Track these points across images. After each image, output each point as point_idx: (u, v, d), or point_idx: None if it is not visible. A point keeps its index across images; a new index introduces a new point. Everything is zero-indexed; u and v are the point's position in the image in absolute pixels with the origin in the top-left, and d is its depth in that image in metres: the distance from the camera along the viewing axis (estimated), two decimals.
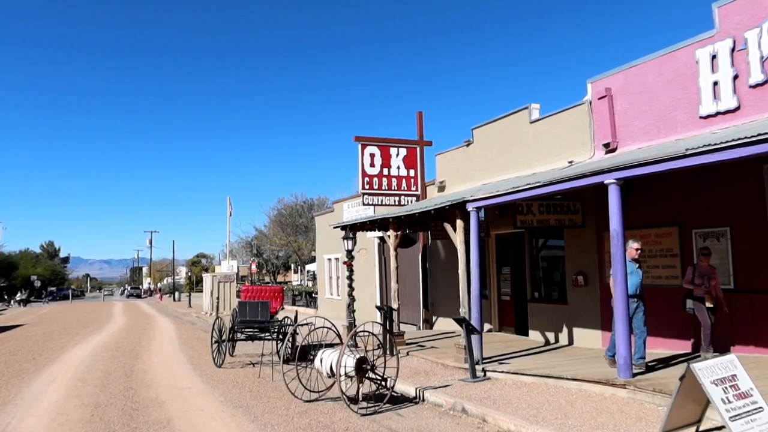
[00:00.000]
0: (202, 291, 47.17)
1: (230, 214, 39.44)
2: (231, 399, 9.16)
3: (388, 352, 9.91)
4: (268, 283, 55.89)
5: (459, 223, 11.54)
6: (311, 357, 12.98)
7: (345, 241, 13.63)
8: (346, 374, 8.11)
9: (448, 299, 17.89)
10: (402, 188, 18.56)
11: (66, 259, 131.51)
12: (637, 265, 9.37)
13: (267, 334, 12.82)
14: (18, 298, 62.17)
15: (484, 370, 10.24)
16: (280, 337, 12.95)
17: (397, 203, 18.44)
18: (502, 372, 10.02)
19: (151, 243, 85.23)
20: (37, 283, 73.17)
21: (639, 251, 9.39)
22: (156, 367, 12.76)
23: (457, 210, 11.42)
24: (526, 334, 14.71)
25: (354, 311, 14.18)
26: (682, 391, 5.77)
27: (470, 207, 11.17)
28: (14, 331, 24.29)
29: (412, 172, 18.78)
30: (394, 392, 8.78)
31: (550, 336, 13.83)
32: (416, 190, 18.73)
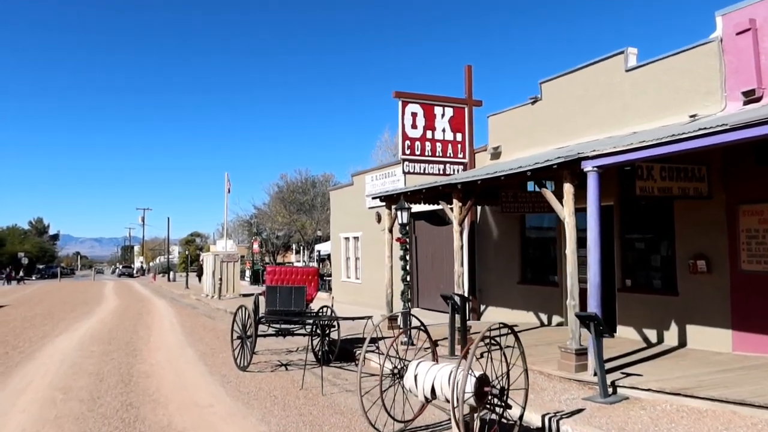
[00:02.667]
0: (196, 272, 44.30)
1: (228, 191, 36.46)
2: (279, 429, 6.41)
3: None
4: (267, 263, 53.13)
5: (568, 188, 8.79)
6: (356, 357, 10.25)
7: (399, 212, 10.83)
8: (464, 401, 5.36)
9: (501, 285, 15.21)
10: (447, 154, 15.76)
11: (55, 237, 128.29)
12: None
13: (301, 327, 10.08)
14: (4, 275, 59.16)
15: (613, 384, 7.56)
16: (318, 332, 10.27)
17: (441, 172, 15.65)
18: (644, 390, 7.33)
19: (143, 220, 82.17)
20: (25, 260, 70.02)
21: None
22: (161, 369, 10.00)
23: (566, 171, 8.66)
24: (613, 331, 12.03)
25: (409, 300, 11.43)
26: None
27: (588, 166, 8.40)
28: None
29: (459, 136, 15.97)
30: (523, 423, 6.07)
31: (650, 334, 11.16)
32: (463, 157, 15.94)
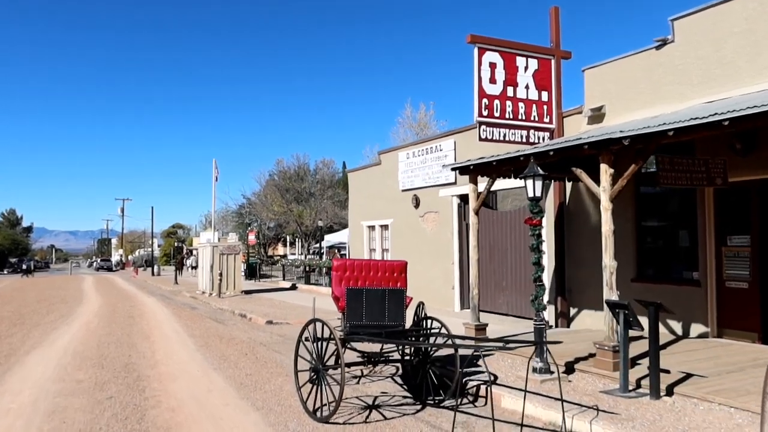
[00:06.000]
0: (175, 265, 40.43)
1: (216, 179, 32.88)
2: None
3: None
4: (279, 257, 49.65)
5: None
6: (468, 391, 7.02)
7: (532, 183, 7.44)
8: None
9: (598, 283, 11.90)
10: (532, 118, 12.43)
11: (29, 229, 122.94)
12: None
13: (397, 350, 6.73)
14: None
15: None
16: (421, 356, 6.94)
17: (524, 140, 12.33)
18: None
19: (123, 211, 77.75)
20: None
21: None
22: (190, 419, 6.53)
23: None
24: None
25: (543, 307, 8.08)
26: None
27: None
28: None
29: (545, 96, 12.65)
30: None
31: None
32: (549, 121, 12.63)
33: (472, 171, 10.38)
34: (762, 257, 9.62)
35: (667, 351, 8.91)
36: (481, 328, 10.51)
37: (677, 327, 10.59)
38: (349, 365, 6.65)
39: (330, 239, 32.87)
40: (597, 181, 8.16)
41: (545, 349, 7.50)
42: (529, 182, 7.54)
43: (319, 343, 6.62)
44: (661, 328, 10.63)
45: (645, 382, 7.10)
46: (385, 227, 20.50)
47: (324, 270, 28.08)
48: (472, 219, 10.79)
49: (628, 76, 11.44)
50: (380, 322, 6.73)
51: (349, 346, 6.72)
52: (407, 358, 7.03)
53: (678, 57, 10.46)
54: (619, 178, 8.03)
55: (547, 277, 13.39)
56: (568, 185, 12.80)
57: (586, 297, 12.30)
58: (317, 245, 39.57)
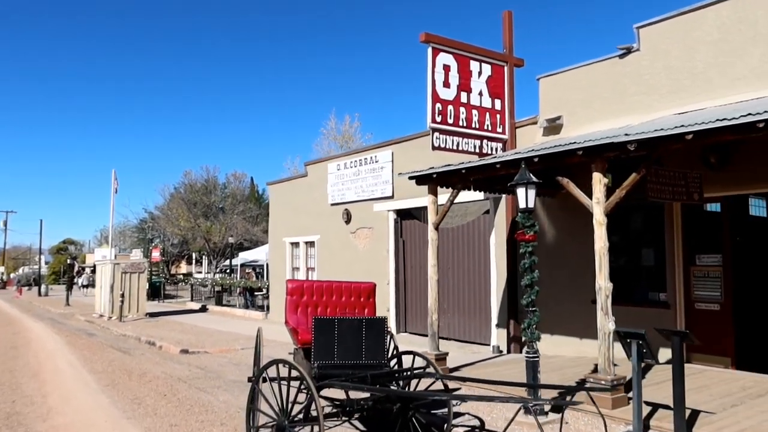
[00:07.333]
0: (67, 284, 36.53)
1: (115, 191, 30.02)
2: None
3: None
4: (184, 276, 46.37)
5: None
6: None
7: (524, 192, 6.40)
8: None
9: (560, 306, 11.15)
10: (485, 127, 11.60)
11: None
12: None
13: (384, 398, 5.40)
14: None
15: None
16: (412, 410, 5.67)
17: (478, 150, 11.46)
18: None
19: (5, 224, 70.60)
20: None
21: None
22: None
23: None
24: (765, 370, 8.46)
25: (537, 337, 7.00)
26: None
27: None
28: None
29: (498, 104, 11.87)
30: None
31: None
32: (502, 132, 11.86)
33: (434, 180, 9.27)
34: (735, 277, 9.18)
35: (647, 380, 8.14)
36: (441, 357, 9.36)
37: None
38: (325, 417, 5.22)
39: (245, 257, 30.75)
40: (585, 191, 7.29)
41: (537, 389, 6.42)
42: (521, 191, 6.52)
43: (281, 390, 5.17)
44: (619, 351, 9.96)
45: (654, 423, 6.21)
46: (311, 244, 19.02)
47: (239, 290, 26.05)
48: (432, 235, 9.68)
49: (589, 86, 10.85)
50: (356, 360, 5.40)
51: (320, 386, 5.31)
52: (388, 405, 5.73)
53: (645, 66, 9.95)
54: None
55: (496, 299, 12.53)
56: None
57: (545, 320, 11.47)
58: (227, 263, 37.19)
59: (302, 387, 4.98)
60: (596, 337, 10.51)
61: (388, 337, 6.31)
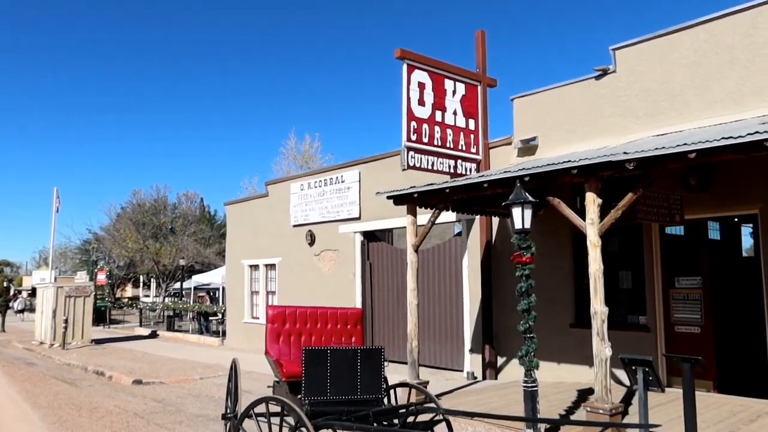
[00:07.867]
0: (2, 308, 34.22)
1: (57, 210, 28.58)
2: None
3: None
4: (130, 299, 44.42)
5: None
6: None
7: (520, 211, 6.09)
8: None
9: (537, 330, 10.85)
10: (459, 147, 11.37)
11: None
12: None
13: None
14: None
15: None
16: None
17: (452, 170, 11.20)
18: None
19: None
20: None
21: None
22: None
23: None
24: (752, 394, 8.36)
25: (536, 365, 6.62)
26: None
27: None
28: None
29: (471, 124, 11.67)
30: None
31: None
32: (476, 152, 11.65)
33: (414, 200, 8.91)
34: (714, 300, 9.12)
35: (635, 406, 7.90)
36: (422, 385, 8.88)
37: (624, 377, 9.74)
38: None
39: (199, 280, 29.59)
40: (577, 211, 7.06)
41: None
42: (516, 211, 6.21)
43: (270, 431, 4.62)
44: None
45: None
46: (271, 266, 18.33)
47: (192, 315, 24.93)
48: (411, 257, 9.25)
49: (565, 107, 10.77)
50: (351, 395, 4.90)
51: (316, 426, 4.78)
52: None
53: (621, 88, 9.93)
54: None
55: (469, 324, 12.19)
56: (495, 222, 11.82)
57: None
58: (178, 286, 35.78)
59: (297, 427, 4.44)
60: (574, 362, 10.39)
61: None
